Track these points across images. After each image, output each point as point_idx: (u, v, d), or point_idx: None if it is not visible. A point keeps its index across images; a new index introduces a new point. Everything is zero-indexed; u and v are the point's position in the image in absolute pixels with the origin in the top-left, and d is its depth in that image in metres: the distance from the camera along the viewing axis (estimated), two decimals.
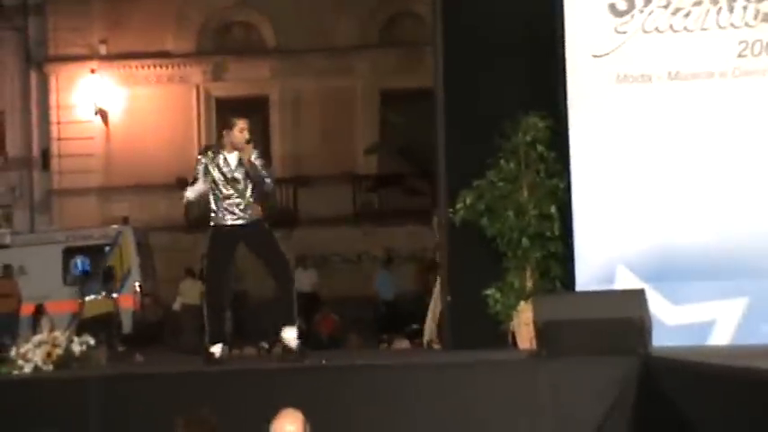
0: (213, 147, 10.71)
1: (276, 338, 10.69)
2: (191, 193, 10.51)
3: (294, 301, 10.44)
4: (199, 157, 10.65)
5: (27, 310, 22.34)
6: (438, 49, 11.90)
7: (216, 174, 10.29)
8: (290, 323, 10.40)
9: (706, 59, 10.55)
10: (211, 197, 10.37)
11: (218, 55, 30.38)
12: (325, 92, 29.68)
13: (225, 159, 10.31)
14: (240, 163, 10.27)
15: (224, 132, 10.44)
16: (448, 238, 11.65)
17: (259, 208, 10.37)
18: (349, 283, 26.36)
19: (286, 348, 10.37)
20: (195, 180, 10.46)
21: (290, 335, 10.34)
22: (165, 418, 7.39)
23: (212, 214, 10.38)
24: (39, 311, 21.91)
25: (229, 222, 10.30)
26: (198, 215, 10.63)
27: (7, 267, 22.68)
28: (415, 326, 21.41)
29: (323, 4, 29.47)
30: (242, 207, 10.29)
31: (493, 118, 11.04)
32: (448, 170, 11.71)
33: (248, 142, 10.23)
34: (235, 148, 10.27)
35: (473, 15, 11.62)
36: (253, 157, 10.20)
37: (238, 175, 10.27)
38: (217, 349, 10.39)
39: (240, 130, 10.27)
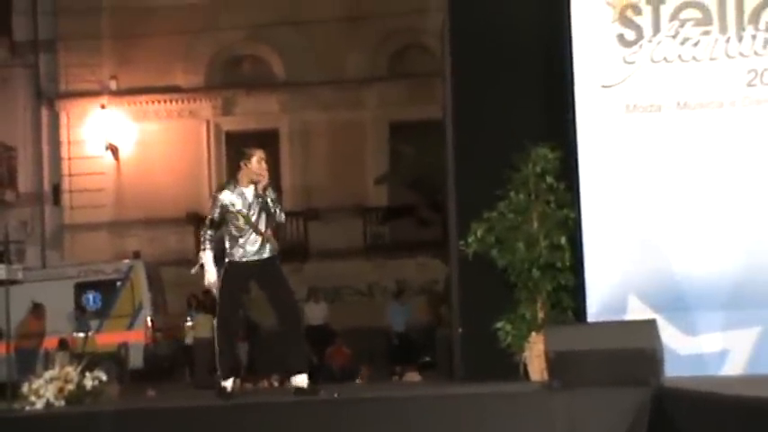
0: (230, 183, 10.60)
1: (288, 373, 10.66)
2: (208, 266, 10.42)
3: (303, 346, 10.44)
4: (216, 195, 10.58)
5: (50, 344, 22.37)
6: (447, 80, 11.95)
7: (233, 211, 10.30)
8: (301, 370, 10.40)
9: (715, 89, 10.56)
10: (227, 234, 10.39)
11: (228, 89, 30.45)
12: (335, 124, 29.72)
13: (242, 194, 10.33)
14: (256, 196, 10.29)
15: (241, 164, 10.44)
16: (459, 270, 11.65)
17: (275, 241, 10.38)
18: (360, 316, 26.31)
19: (298, 389, 10.36)
20: (213, 221, 10.39)
21: (300, 380, 10.35)
22: None
23: (228, 250, 10.39)
24: (62, 346, 21.93)
25: (244, 259, 10.32)
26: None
27: (38, 307, 22.67)
28: (427, 358, 21.42)
29: (332, 38, 29.56)
30: (258, 243, 10.30)
31: (502, 149, 11.06)
32: (458, 202, 11.72)
33: (265, 172, 10.29)
34: (251, 179, 10.29)
35: (482, 47, 11.65)
36: (268, 190, 10.27)
37: (255, 209, 10.29)
38: (229, 384, 10.39)
39: (258, 160, 10.32)
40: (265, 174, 10.29)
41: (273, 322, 10.56)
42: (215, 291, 10.47)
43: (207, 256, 10.42)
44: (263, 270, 10.32)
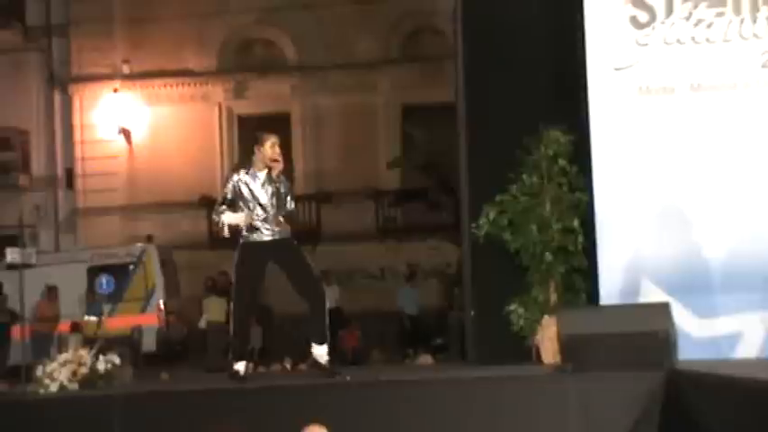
0: (244, 165, 10.68)
1: (301, 357, 10.67)
2: (229, 218, 10.45)
3: (326, 318, 10.42)
4: (230, 174, 10.67)
5: (63, 327, 22.45)
6: (459, 63, 11.90)
7: (246, 192, 10.34)
8: (322, 340, 10.39)
9: (729, 70, 10.52)
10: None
11: (240, 72, 30.44)
12: (347, 108, 29.69)
13: (256, 177, 10.36)
14: (270, 180, 10.32)
15: (255, 149, 10.47)
16: (471, 253, 11.64)
17: (287, 225, 10.40)
18: (372, 299, 26.34)
19: (316, 364, 10.36)
20: (225, 199, 10.45)
21: (320, 351, 10.34)
22: None
23: (242, 232, 10.42)
24: (74, 329, 22.00)
25: (259, 239, 10.34)
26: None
27: (52, 290, 22.75)
28: (439, 340, 21.44)
29: (344, 21, 29.52)
30: (271, 224, 10.32)
31: (515, 132, 11.03)
32: (470, 184, 11.70)
33: (279, 157, 10.31)
34: (266, 164, 10.32)
35: (494, 29, 11.61)
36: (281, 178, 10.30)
37: (268, 192, 10.32)
38: (241, 366, 10.41)
39: (272, 145, 10.35)
40: (279, 159, 10.31)
41: (287, 307, 10.57)
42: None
43: (226, 215, 10.42)
44: (279, 250, 10.32)
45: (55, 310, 22.66)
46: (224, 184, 10.67)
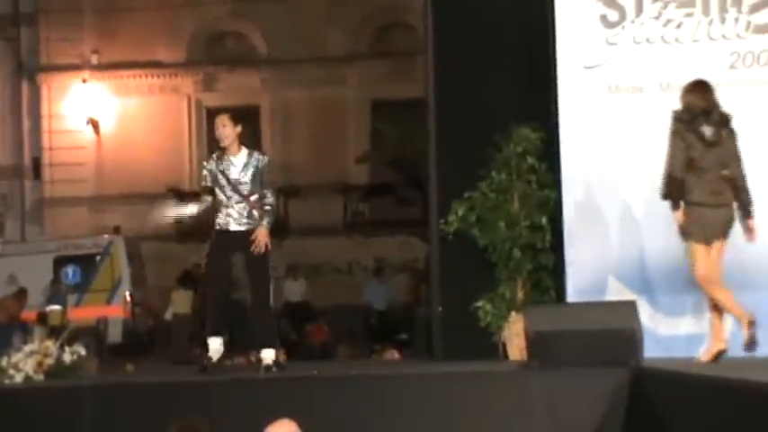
0: (218, 151, 10.56)
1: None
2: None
3: (271, 324, 10.46)
4: (204, 163, 10.62)
5: (29, 317, 22.26)
6: (429, 59, 11.92)
7: (221, 178, 10.29)
8: (269, 344, 10.42)
9: (697, 71, 10.55)
10: (216, 203, 10.41)
11: (210, 65, 30.37)
12: (317, 102, 29.67)
13: (231, 162, 10.30)
14: (246, 166, 10.27)
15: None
16: (439, 249, 11.66)
17: (263, 212, 10.31)
18: (340, 293, 26.33)
19: (265, 366, 10.37)
20: (206, 188, 10.41)
21: (267, 354, 10.36)
22: (157, 428, 7.39)
23: (217, 219, 10.38)
24: (40, 320, 21.83)
25: (233, 228, 10.30)
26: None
27: (21, 291, 22.34)
28: (403, 336, 21.44)
29: (314, 15, 29.48)
30: (246, 212, 10.28)
31: (484, 128, 11.07)
32: (439, 180, 11.72)
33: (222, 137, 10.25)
34: (227, 149, 10.27)
35: (465, 26, 11.63)
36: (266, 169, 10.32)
37: (244, 178, 10.27)
38: (215, 343, 10.37)
39: (216, 127, 10.33)
40: (222, 138, 10.26)
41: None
42: None
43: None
44: (247, 240, 10.28)
45: (20, 310, 22.37)
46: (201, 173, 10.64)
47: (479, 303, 10.97)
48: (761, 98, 10.57)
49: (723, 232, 9.03)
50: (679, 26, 10.71)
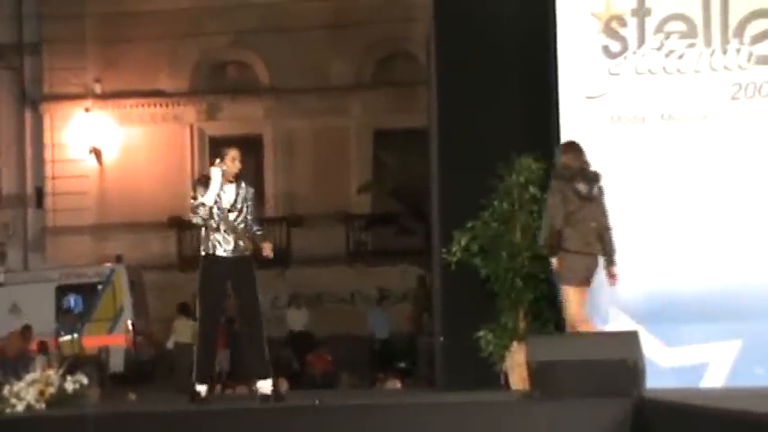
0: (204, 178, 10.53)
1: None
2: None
3: (264, 354, 10.40)
4: (197, 186, 10.50)
5: (30, 347, 22.22)
6: (432, 89, 11.96)
7: (212, 205, 10.26)
8: (265, 376, 10.40)
9: (699, 101, 10.61)
10: (203, 229, 10.34)
11: (212, 94, 30.41)
12: (319, 131, 29.70)
13: (223, 191, 10.28)
14: (237, 196, 10.26)
15: (216, 162, 10.41)
16: (441, 279, 11.66)
17: (250, 244, 10.31)
18: (342, 323, 26.29)
19: (262, 396, 10.35)
20: (203, 204, 10.27)
21: (263, 384, 10.34)
22: None
23: (204, 245, 10.34)
24: (41, 349, 21.81)
25: (220, 253, 10.27)
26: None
27: (26, 329, 22.32)
28: (402, 364, 21.44)
29: (317, 44, 29.54)
30: (234, 240, 10.25)
31: (486, 158, 11.08)
32: (441, 210, 11.73)
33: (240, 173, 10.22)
34: (227, 179, 10.26)
35: (467, 56, 11.67)
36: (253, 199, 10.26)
37: (234, 207, 10.26)
38: (202, 389, 10.37)
39: (232, 159, 10.28)
40: (236, 172, 10.24)
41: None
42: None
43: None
44: (237, 268, 10.26)
45: (25, 347, 22.34)
46: (194, 193, 10.46)
47: (481, 333, 10.96)
48: (762, 129, 10.58)
49: (591, 277, 9.88)
50: (681, 57, 10.74)
